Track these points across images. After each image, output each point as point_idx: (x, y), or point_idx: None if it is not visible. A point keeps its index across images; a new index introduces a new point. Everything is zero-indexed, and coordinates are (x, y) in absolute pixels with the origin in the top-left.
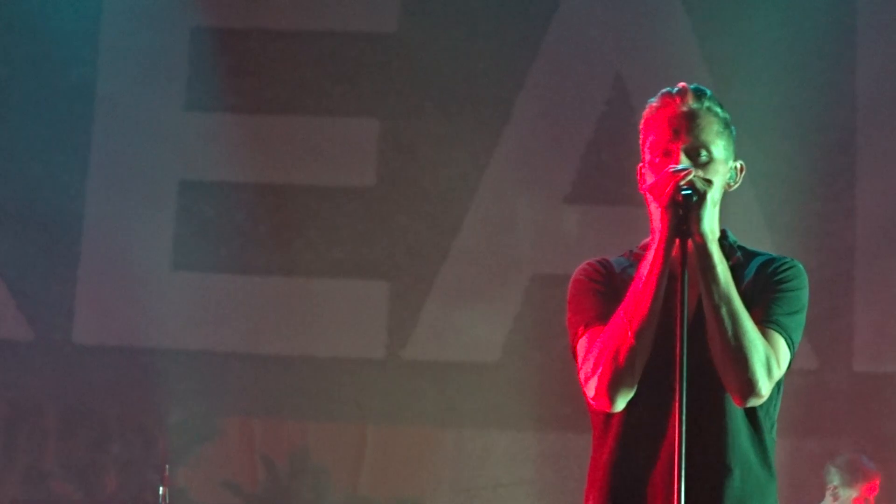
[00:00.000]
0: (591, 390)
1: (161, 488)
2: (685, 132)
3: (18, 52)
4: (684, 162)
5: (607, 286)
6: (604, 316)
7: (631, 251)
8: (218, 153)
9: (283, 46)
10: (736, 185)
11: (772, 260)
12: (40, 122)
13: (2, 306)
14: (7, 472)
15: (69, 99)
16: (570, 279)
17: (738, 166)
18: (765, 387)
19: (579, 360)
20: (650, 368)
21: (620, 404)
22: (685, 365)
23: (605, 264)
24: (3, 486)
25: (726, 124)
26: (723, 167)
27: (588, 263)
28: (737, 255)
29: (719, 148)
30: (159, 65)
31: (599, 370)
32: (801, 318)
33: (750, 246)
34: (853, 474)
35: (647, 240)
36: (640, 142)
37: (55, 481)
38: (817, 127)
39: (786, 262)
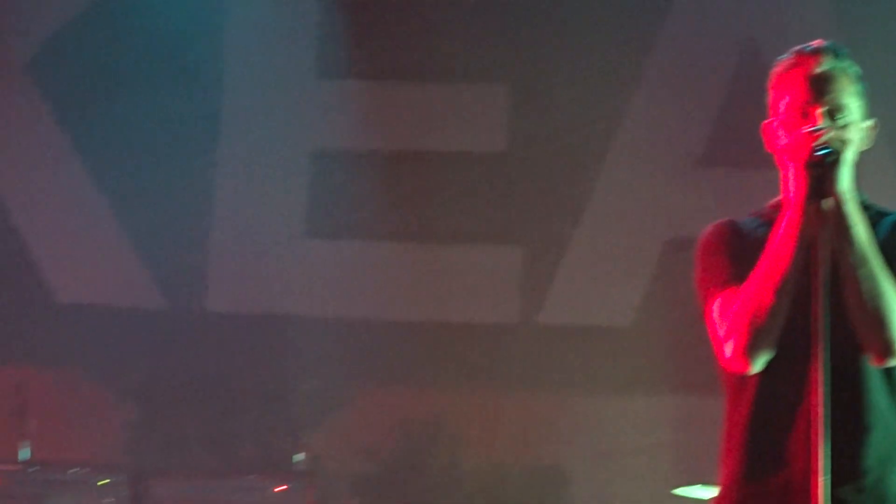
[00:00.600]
0: (728, 352)
1: (296, 455)
2: (824, 93)
3: (145, 29)
4: (823, 122)
5: (739, 247)
6: (737, 277)
7: (760, 212)
8: (349, 121)
9: (412, 12)
10: (869, 144)
11: None
12: (170, 93)
13: (136, 277)
14: (146, 440)
15: (197, 70)
16: (699, 241)
17: (872, 125)
18: None
19: (714, 322)
20: (786, 329)
21: (758, 365)
22: (825, 325)
23: (734, 225)
24: (144, 453)
25: (860, 83)
26: (858, 127)
27: (717, 225)
28: (868, 215)
29: (855, 108)
30: (288, 34)
31: (738, 331)
32: None
33: (881, 206)
34: None
35: (777, 199)
36: (770, 99)
37: (192, 449)
38: None
39: None
